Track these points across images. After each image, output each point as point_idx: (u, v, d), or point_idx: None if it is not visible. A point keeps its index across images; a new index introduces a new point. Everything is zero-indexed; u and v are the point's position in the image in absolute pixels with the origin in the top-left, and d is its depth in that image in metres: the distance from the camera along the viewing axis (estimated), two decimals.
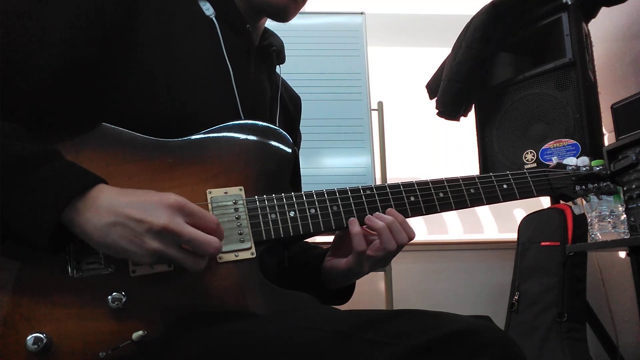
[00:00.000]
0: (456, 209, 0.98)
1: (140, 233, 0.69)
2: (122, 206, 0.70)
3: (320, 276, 1.04)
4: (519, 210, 2.90)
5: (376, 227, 0.91)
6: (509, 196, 1.02)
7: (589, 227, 1.98)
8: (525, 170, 1.05)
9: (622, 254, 2.39)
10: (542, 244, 2.15)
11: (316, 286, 1.04)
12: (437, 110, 2.51)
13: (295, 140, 1.20)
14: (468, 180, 1.00)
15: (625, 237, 1.77)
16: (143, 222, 0.69)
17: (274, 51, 1.10)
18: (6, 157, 0.69)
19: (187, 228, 0.71)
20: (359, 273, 0.97)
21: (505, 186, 1.02)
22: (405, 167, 2.89)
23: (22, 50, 0.76)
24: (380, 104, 2.61)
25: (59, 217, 0.69)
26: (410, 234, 0.94)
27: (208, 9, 0.97)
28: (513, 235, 2.36)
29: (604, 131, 2.13)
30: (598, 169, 1.11)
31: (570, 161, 1.13)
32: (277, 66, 1.16)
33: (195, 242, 0.71)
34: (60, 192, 0.69)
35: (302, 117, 1.25)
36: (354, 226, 0.91)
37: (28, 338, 0.69)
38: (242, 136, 0.89)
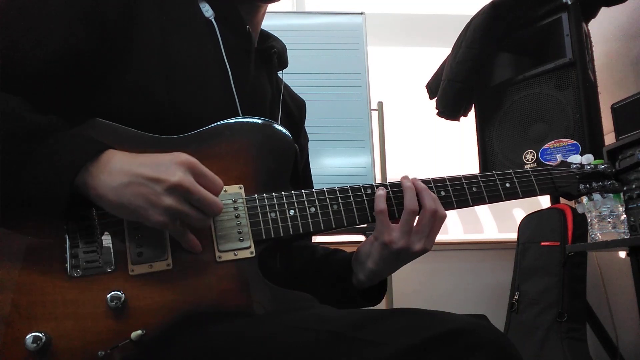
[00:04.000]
0: (458, 207, 0.97)
1: (157, 191, 0.71)
2: (136, 166, 0.72)
3: (351, 275, 1.01)
4: (519, 210, 2.90)
5: (403, 185, 0.92)
6: (511, 195, 1.01)
7: (589, 227, 1.98)
8: (528, 169, 1.04)
9: (622, 254, 2.39)
10: (542, 244, 2.15)
11: (344, 287, 1.02)
12: (437, 110, 2.51)
13: (300, 141, 1.20)
14: (470, 178, 0.99)
15: (625, 237, 1.76)
16: (158, 180, 0.71)
17: (275, 53, 1.09)
18: (17, 127, 0.71)
19: (199, 187, 0.74)
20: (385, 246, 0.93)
21: (508, 185, 1.00)
22: (405, 167, 2.89)
23: (22, 40, 0.77)
24: (380, 104, 2.61)
25: (75, 178, 0.70)
26: (441, 213, 0.93)
27: (207, 10, 0.97)
28: (513, 235, 2.37)
29: (604, 131, 2.13)
30: (603, 167, 1.10)
31: (575, 159, 1.11)
32: (280, 71, 1.15)
33: (204, 202, 0.74)
34: (75, 155, 0.71)
35: (305, 120, 1.25)
36: (380, 201, 0.91)
37: (27, 337, 0.68)
38: (242, 133, 0.89)
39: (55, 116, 0.76)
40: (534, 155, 2.16)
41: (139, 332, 0.72)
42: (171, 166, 0.72)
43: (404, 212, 0.91)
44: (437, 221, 0.93)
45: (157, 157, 0.74)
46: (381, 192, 0.92)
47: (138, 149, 0.82)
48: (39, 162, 0.70)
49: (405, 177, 0.94)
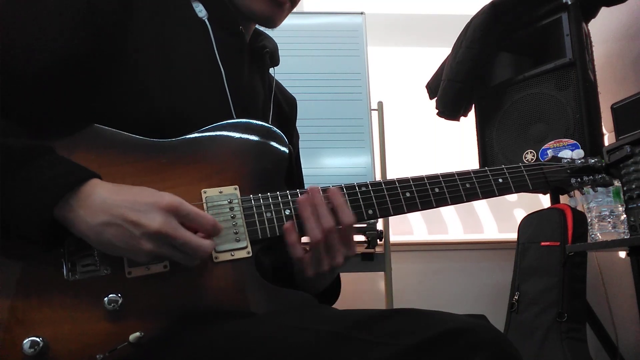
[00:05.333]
0: (452, 203, 0.98)
1: (136, 235, 0.69)
2: (116, 206, 0.70)
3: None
4: (519, 210, 2.90)
5: (302, 217, 0.87)
6: (504, 190, 1.01)
7: (589, 227, 1.98)
8: (520, 164, 1.05)
9: (622, 254, 2.39)
10: (542, 244, 2.14)
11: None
12: (437, 110, 2.51)
13: (292, 140, 1.20)
14: (463, 175, 1.00)
15: (625, 237, 1.77)
16: (138, 224, 0.69)
17: (267, 52, 1.10)
18: None
19: (181, 232, 0.71)
20: (309, 277, 0.91)
21: (500, 180, 1.01)
22: (405, 167, 2.89)
23: (17, 44, 0.77)
24: (380, 104, 2.61)
25: (52, 213, 0.69)
26: (345, 219, 0.87)
27: (201, 11, 0.98)
28: (513, 235, 2.36)
29: (604, 131, 2.13)
30: (593, 161, 1.12)
31: (566, 154, 1.13)
32: (272, 68, 1.16)
33: (188, 246, 0.72)
34: (53, 187, 0.69)
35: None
36: (290, 235, 0.86)
37: (24, 342, 0.68)
38: (237, 135, 0.89)
39: (35, 140, 0.74)
40: (534, 155, 2.15)
41: (137, 334, 0.72)
42: (152, 209, 0.70)
43: (310, 246, 0.87)
44: (342, 232, 0.88)
45: (141, 196, 0.72)
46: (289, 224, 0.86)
47: (134, 153, 0.82)
48: (17, 191, 0.68)
49: (303, 205, 0.87)
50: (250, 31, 1.09)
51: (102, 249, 0.73)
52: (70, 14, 0.81)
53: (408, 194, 0.95)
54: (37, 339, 0.69)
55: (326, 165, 2.49)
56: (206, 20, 0.98)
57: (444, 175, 0.98)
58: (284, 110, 1.18)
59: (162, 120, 0.86)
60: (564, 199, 2.28)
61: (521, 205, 2.91)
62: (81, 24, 0.82)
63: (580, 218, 2.04)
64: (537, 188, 1.07)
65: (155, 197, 0.72)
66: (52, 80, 0.79)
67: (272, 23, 1.03)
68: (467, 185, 0.99)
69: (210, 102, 0.95)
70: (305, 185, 1.21)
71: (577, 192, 1.17)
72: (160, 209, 0.70)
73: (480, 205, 2.95)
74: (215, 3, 1.00)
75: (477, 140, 2.45)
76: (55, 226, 0.70)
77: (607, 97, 2.13)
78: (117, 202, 0.71)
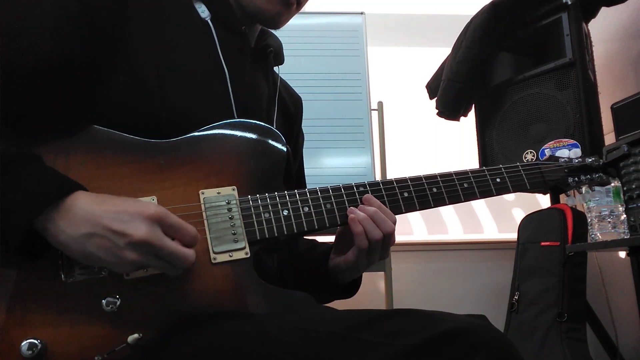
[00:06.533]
0: (450, 203, 0.98)
1: (120, 245, 0.69)
2: (100, 216, 0.69)
3: (326, 274, 1.03)
4: (518, 210, 2.89)
5: (359, 219, 0.90)
6: (502, 190, 1.02)
7: (589, 227, 1.98)
8: (518, 164, 1.05)
9: (622, 254, 2.39)
10: (542, 244, 2.14)
11: (323, 284, 1.03)
12: (437, 110, 2.51)
13: (298, 140, 1.20)
14: (461, 174, 1.00)
15: (625, 237, 1.76)
16: (122, 234, 0.68)
17: (272, 52, 1.10)
18: None
19: (166, 242, 0.71)
20: (359, 267, 0.97)
21: (498, 180, 1.02)
22: (405, 168, 2.89)
23: (11, 46, 0.76)
24: (380, 104, 2.61)
25: (31, 224, 0.68)
26: (392, 218, 0.93)
27: (203, 11, 0.98)
28: (513, 235, 2.36)
29: (604, 131, 2.13)
30: (590, 160, 1.12)
31: (563, 153, 1.14)
32: (277, 67, 1.15)
33: (173, 256, 0.72)
34: (33, 198, 0.68)
35: (302, 117, 1.25)
36: (356, 225, 0.90)
37: (22, 344, 0.68)
38: (234, 135, 0.89)
39: (25, 148, 0.73)
40: (534, 156, 2.15)
41: (136, 335, 0.72)
42: (137, 219, 0.69)
43: (353, 250, 0.94)
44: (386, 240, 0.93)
45: (125, 206, 0.71)
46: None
47: (132, 154, 0.82)
48: None
49: (353, 220, 0.91)
50: (256, 32, 1.08)
51: (84, 261, 0.72)
52: (65, 16, 0.81)
53: (406, 194, 0.95)
54: (35, 341, 0.69)
55: (326, 165, 2.49)
56: (209, 21, 0.98)
57: (442, 175, 0.99)
58: (289, 109, 1.17)
59: (163, 121, 0.86)
60: (563, 199, 2.28)
61: (521, 205, 2.91)
62: (75, 26, 0.81)
63: (580, 218, 2.04)
64: (535, 187, 1.07)
65: (139, 206, 0.71)
66: (44, 82, 0.78)
67: (277, 23, 1.03)
68: (465, 185, 0.99)
69: (211, 103, 0.94)
70: (307, 185, 1.21)
71: (575, 191, 1.18)
72: (145, 219, 0.70)
73: (480, 206, 2.95)
74: (219, 4, 1.00)
75: (477, 140, 2.45)
76: (35, 238, 0.69)
77: (607, 97, 2.13)
78: (100, 212, 0.70)
